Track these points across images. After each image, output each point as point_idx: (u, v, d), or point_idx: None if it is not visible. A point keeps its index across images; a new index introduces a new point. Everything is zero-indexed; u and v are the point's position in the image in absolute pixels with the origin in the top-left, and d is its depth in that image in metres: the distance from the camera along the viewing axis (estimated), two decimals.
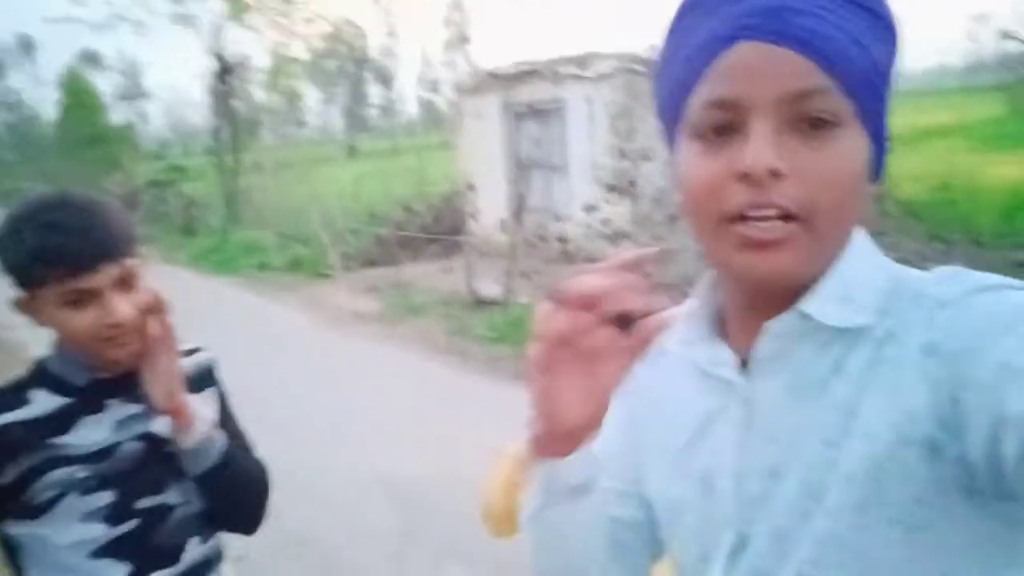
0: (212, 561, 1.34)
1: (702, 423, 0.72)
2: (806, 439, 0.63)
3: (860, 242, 0.66)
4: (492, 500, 1.40)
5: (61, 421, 1.19)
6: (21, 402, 1.19)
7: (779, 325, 0.65)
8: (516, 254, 8.18)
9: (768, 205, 0.59)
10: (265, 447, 1.48)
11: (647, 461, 0.80)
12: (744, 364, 0.69)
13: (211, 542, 1.33)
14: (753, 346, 0.67)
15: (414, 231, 11.24)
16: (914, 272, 0.66)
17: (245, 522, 1.38)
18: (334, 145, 47.15)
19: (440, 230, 11.21)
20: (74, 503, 1.17)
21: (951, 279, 0.61)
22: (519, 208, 8.57)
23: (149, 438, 1.25)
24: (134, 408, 1.25)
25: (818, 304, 0.63)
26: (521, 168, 10.45)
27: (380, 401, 5.53)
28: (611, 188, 8.64)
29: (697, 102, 0.63)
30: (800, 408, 0.64)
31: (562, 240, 9.47)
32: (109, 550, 1.20)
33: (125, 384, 1.24)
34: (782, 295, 0.64)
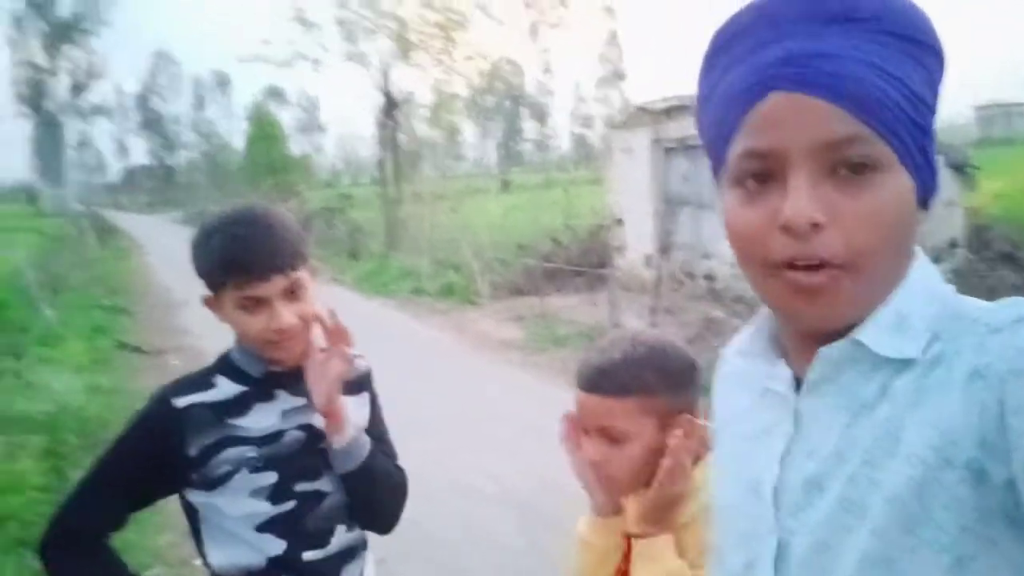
0: (356, 549, 1.44)
1: (758, 434, 0.75)
2: (848, 457, 0.64)
3: (921, 270, 0.66)
4: None
5: (239, 405, 1.35)
6: (208, 386, 1.37)
7: (832, 352, 0.65)
8: (661, 290, 8.10)
9: (812, 255, 0.61)
10: (409, 457, 1.58)
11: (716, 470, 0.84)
12: (799, 382, 0.71)
13: (356, 532, 1.44)
14: (807, 368, 0.68)
15: (560, 263, 11.38)
16: (976, 301, 0.65)
17: (380, 522, 1.48)
18: (489, 178, 48.57)
19: (586, 263, 11.28)
20: (244, 479, 1.32)
21: (1006, 307, 0.61)
22: (666, 244, 8.49)
23: (310, 429, 1.38)
24: (299, 401, 1.39)
25: (872, 333, 0.63)
26: (669, 204, 10.37)
27: (518, 425, 5.63)
28: None
29: (735, 152, 0.65)
30: (845, 427, 0.65)
31: (708, 278, 9.26)
32: (270, 526, 1.33)
33: (293, 378, 1.38)
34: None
